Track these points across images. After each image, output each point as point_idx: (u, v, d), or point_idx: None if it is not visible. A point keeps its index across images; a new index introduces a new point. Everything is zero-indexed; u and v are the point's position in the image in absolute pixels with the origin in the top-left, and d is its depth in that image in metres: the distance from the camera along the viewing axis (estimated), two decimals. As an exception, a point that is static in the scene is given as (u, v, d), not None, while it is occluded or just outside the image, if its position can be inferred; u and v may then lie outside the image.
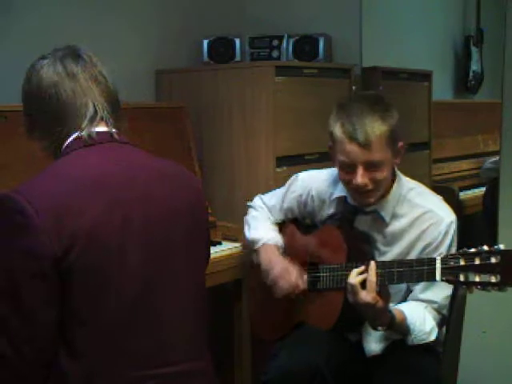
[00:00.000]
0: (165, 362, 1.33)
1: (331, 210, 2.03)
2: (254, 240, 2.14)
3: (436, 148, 3.26)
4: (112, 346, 1.27)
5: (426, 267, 1.68)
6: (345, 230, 1.93)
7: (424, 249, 1.87)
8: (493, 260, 1.55)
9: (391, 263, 1.77)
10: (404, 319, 1.79)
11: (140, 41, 2.84)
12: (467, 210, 3.17)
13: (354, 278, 1.75)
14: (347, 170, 1.84)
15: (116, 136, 1.38)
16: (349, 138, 1.80)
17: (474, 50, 3.33)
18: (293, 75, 2.63)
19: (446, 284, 1.82)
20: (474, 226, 3.14)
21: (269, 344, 2.07)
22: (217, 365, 1.47)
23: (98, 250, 1.24)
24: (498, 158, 2.68)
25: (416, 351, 1.83)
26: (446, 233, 1.86)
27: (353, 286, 1.74)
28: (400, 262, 1.76)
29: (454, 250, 1.83)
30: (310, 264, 1.99)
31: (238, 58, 2.87)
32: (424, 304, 1.86)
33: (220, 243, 2.51)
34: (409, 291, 1.91)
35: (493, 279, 1.55)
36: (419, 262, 1.72)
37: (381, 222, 1.92)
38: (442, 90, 3.36)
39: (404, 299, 1.91)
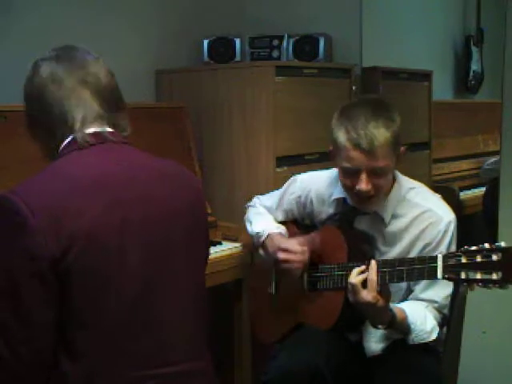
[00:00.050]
0: (165, 362, 1.33)
1: (330, 211, 2.03)
2: (258, 233, 2.13)
3: (436, 148, 3.27)
4: (112, 346, 1.27)
5: (427, 265, 1.68)
6: (345, 230, 1.93)
7: (424, 248, 1.87)
8: (494, 257, 1.55)
9: (392, 262, 1.77)
10: (405, 318, 1.79)
11: (140, 41, 2.84)
12: (467, 209, 3.17)
13: (355, 277, 1.75)
14: (350, 176, 1.84)
15: (111, 136, 1.37)
16: (353, 145, 1.79)
17: (474, 49, 3.33)
18: (293, 75, 2.63)
19: (447, 283, 1.82)
20: (474, 225, 3.15)
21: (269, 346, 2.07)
22: (217, 365, 1.47)
23: (97, 251, 1.23)
24: (498, 157, 2.68)
25: (416, 351, 1.83)
26: (446, 232, 1.86)
27: (354, 285, 1.74)
28: (401, 261, 1.76)
29: (453, 249, 1.83)
30: (310, 264, 1.99)
31: (238, 58, 2.87)
32: (425, 303, 1.86)
33: (220, 243, 2.51)
34: (409, 290, 1.91)
35: (494, 276, 1.55)
36: (420, 260, 1.71)
37: (380, 223, 1.92)
38: (442, 89, 3.36)
39: (404, 298, 1.91)
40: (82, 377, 1.25)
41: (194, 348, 1.41)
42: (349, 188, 1.87)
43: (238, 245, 2.49)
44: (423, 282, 1.85)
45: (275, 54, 2.89)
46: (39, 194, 1.24)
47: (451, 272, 1.62)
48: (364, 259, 1.80)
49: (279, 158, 2.58)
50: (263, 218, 2.18)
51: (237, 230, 2.50)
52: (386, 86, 2.97)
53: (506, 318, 2.57)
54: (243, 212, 2.29)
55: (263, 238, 2.10)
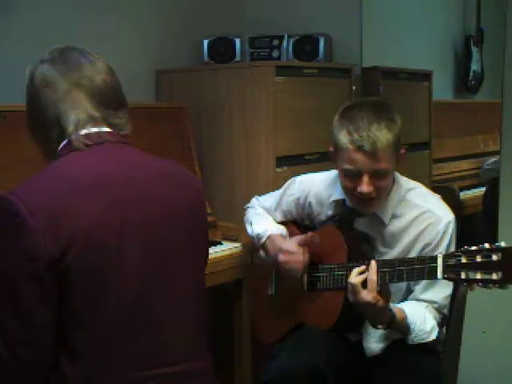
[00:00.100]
0: (165, 362, 1.33)
1: (329, 212, 2.03)
2: (258, 234, 2.13)
3: (436, 148, 3.27)
4: (112, 346, 1.27)
5: (427, 265, 1.68)
6: (345, 231, 1.93)
7: (423, 249, 1.87)
8: (494, 257, 1.55)
9: (392, 262, 1.77)
10: (404, 318, 1.79)
11: (140, 41, 2.84)
12: (467, 209, 3.17)
13: (355, 277, 1.75)
14: (351, 178, 1.84)
15: (109, 136, 1.37)
16: (356, 146, 1.79)
17: (474, 49, 3.33)
18: (293, 75, 2.63)
19: (447, 284, 1.83)
20: (474, 225, 3.14)
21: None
22: (217, 365, 1.47)
23: (96, 251, 1.23)
24: (498, 157, 2.68)
25: (416, 351, 1.83)
26: (445, 232, 1.86)
27: (354, 285, 1.74)
28: (401, 261, 1.76)
29: (452, 250, 1.83)
30: (310, 264, 1.99)
31: (238, 57, 2.87)
32: (425, 304, 1.86)
33: (220, 243, 2.51)
34: (409, 290, 1.91)
35: (494, 276, 1.55)
36: (420, 260, 1.72)
37: (380, 224, 1.92)
38: (442, 89, 3.36)
39: (404, 298, 1.91)
40: (81, 377, 1.25)
41: (194, 348, 1.41)
42: (349, 190, 1.87)
43: (237, 245, 2.49)
44: (423, 283, 1.85)
45: (275, 54, 2.89)
46: (38, 194, 1.24)
47: (451, 272, 1.63)
48: (364, 259, 1.80)
49: (279, 158, 2.58)
50: (263, 218, 2.18)
51: (237, 229, 2.50)
52: (386, 86, 2.97)
53: (506, 317, 2.57)
54: (243, 212, 2.29)
55: (264, 240, 2.10)
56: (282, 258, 1.98)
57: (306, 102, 2.66)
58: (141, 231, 1.30)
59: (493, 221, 2.63)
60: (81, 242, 1.21)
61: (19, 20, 2.43)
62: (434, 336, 1.84)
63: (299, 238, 1.99)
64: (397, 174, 1.95)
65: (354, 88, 2.85)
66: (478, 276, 1.57)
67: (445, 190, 3.09)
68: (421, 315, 1.82)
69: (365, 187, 1.81)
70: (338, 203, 2.00)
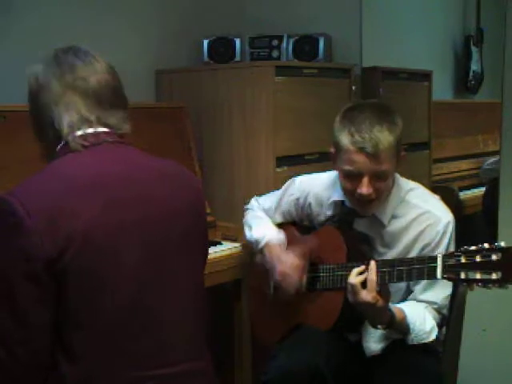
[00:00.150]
0: (165, 362, 1.33)
1: (329, 213, 2.03)
2: (257, 239, 2.12)
3: (436, 148, 3.27)
4: (110, 347, 1.27)
5: (426, 265, 1.68)
6: (344, 231, 1.93)
7: (422, 249, 1.87)
8: (494, 257, 1.56)
9: (391, 262, 1.77)
10: (404, 318, 1.80)
11: (140, 41, 2.84)
12: (467, 209, 3.17)
13: (355, 277, 1.75)
14: (352, 180, 1.84)
15: (106, 136, 1.37)
16: (357, 148, 1.78)
17: (474, 49, 3.33)
18: (293, 75, 2.63)
19: (446, 284, 1.83)
20: (474, 225, 3.15)
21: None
22: (217, 365, 1.47)
23: (93, 252, 1.23)
24: (497, 157, 2.68)
25: (416, 351, 1.83)
26: (444, 233, 1.86)
27: (353, 285, 1.74)
28: (400, 261, 1.77)
29: (452, 250, 1.83)
30: (309, 264, 1.99)
31: (237, 58, 2.87)
32: (424, 304, 1.87)
33: (220, 243, 2.51)
34: (409, 290, 1.91)
35: (494, 276, 1.55)
36: (420, 260, 1.72)
37: (379, 225, 1.92)
38: (442, 90, 3.36)
39: (404, 298, 1.91)
40: (80, 378, 1.25)
41: (194, 348, 1.41)
42: (349, 191, 1.87)
43: (237, 245, 2.49)
44: (422, 283, 1.85)
45: (275, 54, 2.89)
46: (36, 194, 1.24)
47: (451, 272, 1.63)
48: (363, 259, 1.80)
49: (279, 158, 2.58)
50: (262, 222, 2.17)
51: (236, 229, 2.50)
52: (386, 86, 2.97)
53: (506, 316, 2.57)
54: (243, 212, 2.29)
55: (261, 246, 2.10)
56: (279, 278, 1.98)
57: (305, 102, 2.66)
58: (140, 231, 1.30)
59: (493, 221, 2.63)
60: (78, 243, 1.21)
61: (19, 20, 2.43)
62: (433, 336, 1.84)
63: (298, 248, 1.98)
64: (396, 175, 1.94)
65: (353, 88, 2.85)
66: (478, 276, 1.57)
67: (444, 190, 3.09)
68: (420, 315, 1.82)
69: (365, 189, 1.81)
70: (338, 204, 2.00)
